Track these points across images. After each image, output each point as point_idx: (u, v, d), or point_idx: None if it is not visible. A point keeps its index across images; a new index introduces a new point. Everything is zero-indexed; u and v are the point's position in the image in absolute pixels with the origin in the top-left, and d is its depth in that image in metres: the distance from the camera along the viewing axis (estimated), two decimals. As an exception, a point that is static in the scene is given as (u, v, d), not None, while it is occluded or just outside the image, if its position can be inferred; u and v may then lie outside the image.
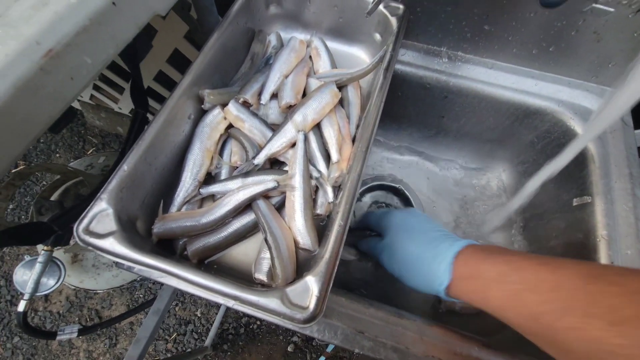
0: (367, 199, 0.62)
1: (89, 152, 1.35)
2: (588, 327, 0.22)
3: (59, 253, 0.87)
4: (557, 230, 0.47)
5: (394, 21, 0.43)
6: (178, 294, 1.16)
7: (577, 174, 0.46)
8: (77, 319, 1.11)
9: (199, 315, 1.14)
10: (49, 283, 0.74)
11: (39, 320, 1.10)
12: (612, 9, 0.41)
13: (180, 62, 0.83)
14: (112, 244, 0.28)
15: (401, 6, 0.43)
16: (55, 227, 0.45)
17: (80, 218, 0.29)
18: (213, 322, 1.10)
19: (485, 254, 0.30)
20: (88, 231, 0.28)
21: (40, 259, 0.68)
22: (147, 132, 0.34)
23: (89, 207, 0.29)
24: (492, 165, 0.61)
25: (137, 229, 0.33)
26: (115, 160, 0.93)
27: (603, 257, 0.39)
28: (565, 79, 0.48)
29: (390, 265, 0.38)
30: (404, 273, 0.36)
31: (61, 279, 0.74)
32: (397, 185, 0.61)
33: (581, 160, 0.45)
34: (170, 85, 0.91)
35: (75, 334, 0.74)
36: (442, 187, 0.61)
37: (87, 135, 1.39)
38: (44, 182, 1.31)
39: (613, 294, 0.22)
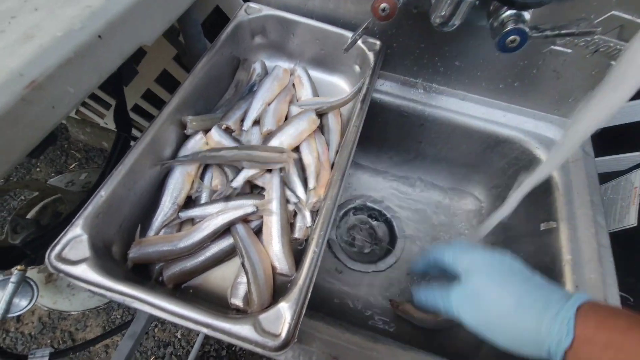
0: (350, 220, 0.63)
1: (71, 167, 1.33)
2: None
3: (32, 272, 0.84)
4: (527, 253, 0.49)
5: (371, 56, 0.46)
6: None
7: (544, 200, 0.48)
8: (49, 341, 1.06)
9: (179, 337, 1.10)
10: (21, 304, 0.71)
11: (11, 341, 1.04)
12: (569, 50, 0.44)
13: (169, 82, 0.84)
14: (84, 270, 0.28)
15: (378, 42, 0.46)
16: (27, 252, 0.44)
17: (53, 244, 0.29)
18: (194, 344, 1.06)
19: (607, 312, 0.25)
20: (60, 257, 0.28)
21: (13, 278, 0.65)
22: (127, 158, 0.34)
23: (62, 233, 0.29)
24: (469, 189, 0.63)
25: (112, 254, 0.33)
26: (96, 179, 0.92)
27: (568, 281, 0.41)
28: (531, 111, 0.52)
29: (475, 318, 0.29)
30: (497, 329, 0.28)
31: (34, 300, 0.71)
32: (379, 208, 0.63)
33: (547, 187, 0.48)
34: (158, 103, 0.92)
35: (47, 358, 0.71)
36: (422, 208, 0.63)
37: (70, 150, 1.36)
38: (22, 197, 1.27)
39: None
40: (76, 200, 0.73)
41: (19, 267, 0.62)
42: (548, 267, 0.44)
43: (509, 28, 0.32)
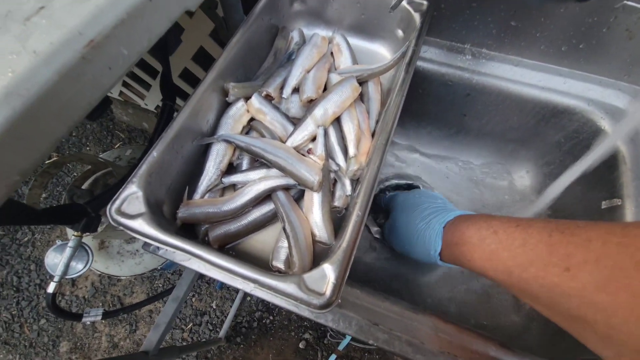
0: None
1: (116, 146, 1.42)
2: (547, 275, 0.24)
3: (87, 239, 0.92)
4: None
5: (417, 17, 0.43)
6: (195, 285, 1.19)
7: (607, 175, 0.44)
8: (100, 304, 1.17)
9: (214, 307, 1.17)
10: (78, 267, 0.78)
11: (66, 303, 1.16)
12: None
13: (205, 60, 0.85)
14: (141, 224, 0.29)
15: (425, 2, 0.43)
16: (89, 209, 0.48)
17: (113, 199, 0.30)
18: (227, 314, 1.12)
19: (470, 221, 0.33)
20: (120, 212, 0.30)
21: (71, 243, 0.72)
22: (175, 122, 0.35)
23: (120, 190, 0.31)
24: (515, 166, 0.59)
25: (163, 213, 0.34)
26: (142, 152, 0.98)
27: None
28: (596, 77, 0.47)
29: (395, 242, 0.44)
30: (406, 247, 0.41)
31: (89, 264, 0.78)
32: (415, 183, 0.61)
33: (612, 162, 0.43)
34: (195, 82, 0.94)
35: (100, 317, 0.78)
36: (462, 187, 0.60)
37: (115, 130, 1.45)
38: (75, 174, 1.39)
39: (570, 243, 0.24)
40: (124, 173, 0.78)
41: (75, 233, 0.68)
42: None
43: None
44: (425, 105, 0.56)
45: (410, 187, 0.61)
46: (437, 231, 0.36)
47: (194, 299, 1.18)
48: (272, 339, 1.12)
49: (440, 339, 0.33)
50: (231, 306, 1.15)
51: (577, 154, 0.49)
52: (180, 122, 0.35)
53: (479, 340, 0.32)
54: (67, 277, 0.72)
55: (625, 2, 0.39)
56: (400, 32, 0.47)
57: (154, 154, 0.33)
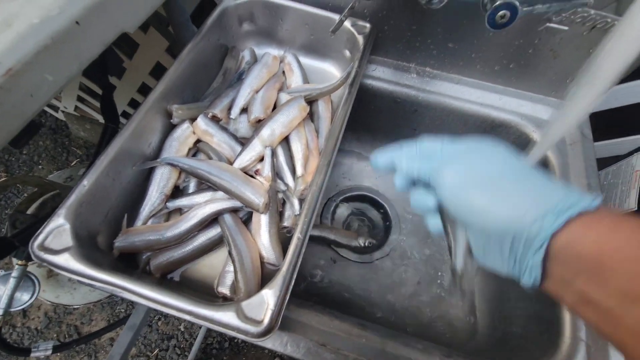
0: (344, 208, 0.62)
1: (72, 164, 1.34)
2: None
3: (33, 267, 0.86)
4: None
5: (360, 39, 0.44)
6: (160, 308, 1.14)
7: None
8: (55, 335, 1.08)
9: (182, 329, 1.12)
10: (23, 298, 0.72)
11: (17, 336, 1.06)
12: (566, 27, 0.43)
13: (161, 74, 0.84)
14: (66, 260, 0.28)
15: (368, 25, 0.45)
16: (17, 243, 0.44)
17: (36, 234, 0.29)
18: (196, 336, 1.08)
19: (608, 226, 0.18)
20: (43, 247, 0.28)
21: (14, 273, 0.66)
22: (111, 146, 0.34)
23: (45, 223, 0.29)
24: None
25: (97, 244, 0.33)
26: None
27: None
28: (527, 93, 0.51)
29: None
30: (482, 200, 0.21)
31: (35, 294, 0.72)
32: (374, 196, 0.62)
33: (543, 169, 0.47)
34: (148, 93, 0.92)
35: (50, 351, 0.72)
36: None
37: (71, 147, 1.37)
38: (25, 194, 1.29)
39: None
40: (74, 195, 0.73)
41: (19, 261, 0.63)
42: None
43: (498, 2, 0.31)
44: (379, 121, 0.58)
45: (372, 201, 0.62)
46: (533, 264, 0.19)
47: (159, 322, 1.12)
48: (245, 359, 1.08)
49: (387, 354, 0.33)
50: (200, 327, 1.10)
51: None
52: (118, 146, 0.34)
53: (424, 353, 0.33)
54: (11, 309, 0.67)
55: (547, 24, 0.43)
56: (347, 53, 0.49)
57: (84, 182, 0.31)
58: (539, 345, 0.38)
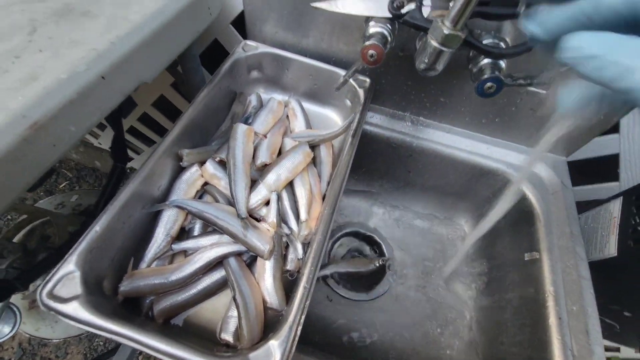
0: (342, 245, 0.64)
1: (61, 186, 1.31)
2: None
3: (16, 298, 0.82)
4: (513, 282, 0.50)
5: (361, 92, 0.48)
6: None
7: (526, 229, 0.50)
8: (26, 369, 1.01)
9: (165, 364, 1.06)
10: (4, 331, 0.69)
11: (-15, 370, 0.99)
12: (544, 91, 0.48)
13: (166, 107, 0.86)
14: (75, 309, 0.28)
15: (368, 79, 0.49)
16: (18, 285, 0.43)
17: (45, 281, 0.29)
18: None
19: None
20: (52, 295, 0.28)
21: (-5, 306, 0.63)
22: (124, 191, 0.35)
23: (55, 269, 0.29)
24: (456, 217, 0.65)
25: (102, 289, 0.33)
26: (91, 202, 0.91)
27: (551, 313, 0.42)
28: (512, 144, 0.55)
29: None
30: None
31: (16, 327, 0.69)
32: (371, 234, 0.64)
33: (529, 218, 0.50)
34: (154, 126, 0.94)
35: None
36: (412, 235, 0.65)
37: (61, 169, 1.35)
38: (9, 217, 1.24)
39: None
40: (66, 223, 0.72)
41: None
42: (533, 298, 0.45)
43: (486, 76, 0.35)
44: (375, 163, 0.61)
45: (367, 238, 0.64)
46: None
47: (140, 357, 1.07)
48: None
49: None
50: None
51: (504, 208, 0.56)
52: (131, 190, 0.35)
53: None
54: (-10, 342, 0.63)
55: (528, 88, 0.48)
56: (348, 102, 0.52)
57: (97, 228, 0.32)
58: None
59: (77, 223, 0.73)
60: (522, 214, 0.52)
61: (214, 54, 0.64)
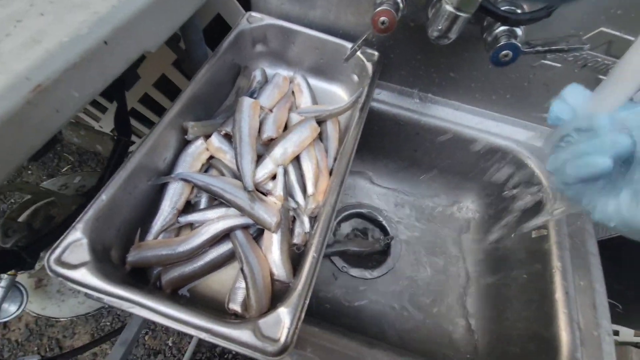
0: (347, 226, 0.64)
1: (63, 170, 1.31)
2: None
3: (22, 277, 0.82)
4: (519, 260, 0.50)
5: (369, 66, 0.47)
6: (148, 322, 1.10)
7: (535, 207, 0.50)
8: (36, 348, 1.03)
9: (170, 344, 1.08)
10: (10, 309, 0.70)
11: (-4, 349, 1.01)
12: (559, 65, 0.46)
13: (167, 87, 0.84)
14: (83, 275, 0.28)
15: (376, 53, 0.48)
16: (24, 256, 0.43)
17: (53, 247, 0.29)
18: (185, 352, 1.04)
19: None
20: (60, 261, 0.28)
21: (3, 283, 0.64)
22: (129, 161, 0.34)
23: (62, 237, 0.29)
24: (461, 197, 0.65)
25: (110, 258, 0.33)
26: (92, 183, 0.91)
27: (558, 288, 0.42)
28: (522, 121, 0.54)
29: None
30: None
31: (23, 306, 0.70)
32: (375, 214, 0.64)
33: (539, 196, 0.50)
34: (155, 107, 0.92)
35: (34, 365, 0.69)
36: (417, 215, 0.64)
37: (63, 153, 1.35)
38: (12, 200, 1.25)
39: None
40: (70, 203, 0.72)
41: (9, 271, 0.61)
42: (540, 274, 0.45)
43: (501, 43, 0.34)
44: (381, 141, 0.60)
45: (372, 218, 0.64)
46: None
47: (147, 337, 1.09)
48: (234, 376, 1.05)
49: (394, 373, 0.34)
50: (189, 342, 1.07)
51: (512, 187, 0.55)
52: (136, 161, 0.35)
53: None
54: (-1, 321, 0.64)
55: (542, 61, 0.46)
56: (355, 77, 0.51)
57: (103, 197, 0.32)
58: (536, 364, 0.39)
59: (81, 203, 0.73)
60: (531, 194, 0.51)
61: (216, 30, 0.62)
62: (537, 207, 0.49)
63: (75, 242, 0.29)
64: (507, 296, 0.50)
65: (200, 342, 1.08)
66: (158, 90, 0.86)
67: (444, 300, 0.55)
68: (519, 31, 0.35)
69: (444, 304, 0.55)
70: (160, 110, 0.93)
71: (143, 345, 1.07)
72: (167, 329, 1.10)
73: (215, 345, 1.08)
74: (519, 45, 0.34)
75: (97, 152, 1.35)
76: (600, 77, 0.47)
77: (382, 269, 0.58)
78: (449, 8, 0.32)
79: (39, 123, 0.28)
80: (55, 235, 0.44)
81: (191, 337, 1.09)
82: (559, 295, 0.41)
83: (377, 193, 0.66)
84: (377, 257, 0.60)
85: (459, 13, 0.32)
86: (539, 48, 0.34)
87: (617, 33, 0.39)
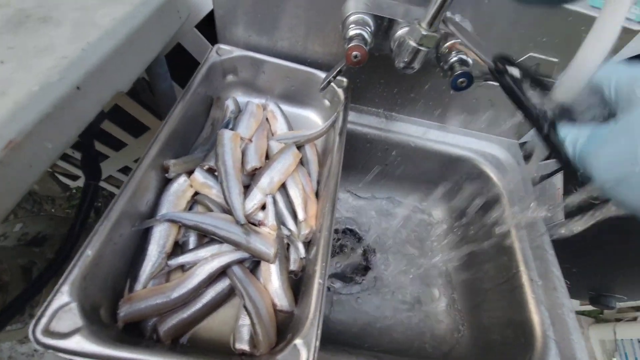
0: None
1: None
2: None
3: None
4: (489, 255, 0.56)
5: (340, 92, 0.50)
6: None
7: (495, 206, 0.57)
8: None
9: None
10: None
11: None
12: (497, 84, 0.54)
13: (120, 117, 0.79)
14: (78, 342, 0.25)
15: (345, 79, 0.51)
16: None
17: (37, 318, 0.26)
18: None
19: None
20: (48, 332, 0.25)
21: None
22: (112, 210, 0.32)
23: (46, 303, 0.26)
24: (431, 201, 0.71)
25: (100, 317, 0.30)
26: (40, 229, 0.80)
27: (524, 276, 0.48)
28: (475, 132, 0.61)
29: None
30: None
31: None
32: (350, 226, 0.66)
33: (495, 195, 0.57)
34: (107, 139, 0.86)
35: None
36: (389, 223, 0.69)
37: (-11, 197, 1.17)
38: None
39: None
40: (15, 257, 0.63)
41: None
42: (505, 265, 0.51)
43: (458, 72, 0.39)
44: (354, 158, 0.64)
45: (352, 232, 0.66)
46: None
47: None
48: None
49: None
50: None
51: (473, 190, 0.62)
52: (119, 209, 0.33)
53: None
54: None
55: (482, 82, 0.54)
56: (327, 102, 0.54)
57: (88, 252, 0.29)
58: (516, 348, 0.44)
59: (29, 255, 0.64)
60: (488, 195, 0.58)
61: (176, 59, 0.61)
62: (496, 207, 0.56)
63: (64, 307, 0.26)
64: (482, 289, 0.55)
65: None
66: (110, 122, 0.81)
67: (427, 299, 0.60)
68: (469, 60, 0.41)
69: (428, 302, 0.59)
70: (115, 144, 0.87)
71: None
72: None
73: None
74: (471, 73, 0.39)
75: (32, 191, 1.20)
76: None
77: (364, 283, 0.60)
78: (412, 43, 0.37)
79: (11, 181, 0.25)
80: (9, 314, 0.39)
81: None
82: (524, 281, 0.47)
83: (352, 206, 0.69)
84: (359, 269, 0.62)
85: (420, 48, 0.37)
86: (488, 76, 0.40)
87: (544, 57, 0.48)
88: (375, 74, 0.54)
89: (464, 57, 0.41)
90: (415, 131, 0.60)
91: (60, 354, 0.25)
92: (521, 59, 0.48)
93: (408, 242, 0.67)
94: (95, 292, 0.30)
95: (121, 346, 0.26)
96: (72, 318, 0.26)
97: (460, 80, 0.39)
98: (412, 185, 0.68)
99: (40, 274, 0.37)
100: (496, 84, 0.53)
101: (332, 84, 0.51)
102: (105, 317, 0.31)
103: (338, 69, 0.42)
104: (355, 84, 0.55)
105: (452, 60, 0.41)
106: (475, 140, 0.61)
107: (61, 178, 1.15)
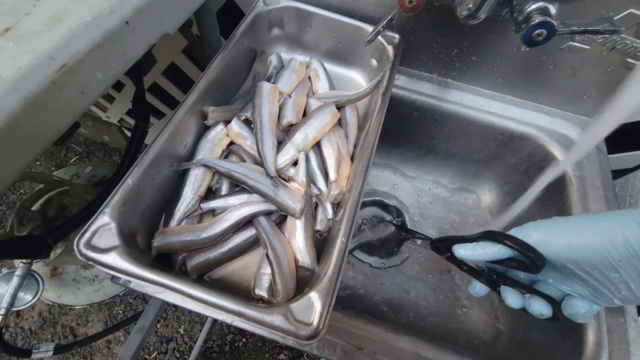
0: (363, 213, 0.63)
1: (72, 161, 1.31)
2: None
3: (38, 265, 0.83)
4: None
5: (390, 49, 0.46)
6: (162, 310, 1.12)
7: (557, 195, 0.49)
8: (49, 336, 1.05)
9: (182, 332, 1.10)
10: (26, 298, 0.71)
11: (10, 337, 1.03)
12: (587, 47, 0.45)
13: (177, 76, 0.83)
14: (114, 259, 0.28)
15: (397, 36, 0.46)
16: (49, 241, 0.43)
17: (81, 232, 0.28)
18: (196, 339, 1.06)
19: None
20: (90, 245, 0.28)
21: (18, 272, 0.65)
22: (152, 146, 0.34)
23: (90, 221, 0.29)
24: (478, 185, 0.64)
25: (136, 243, 0.33)
26: (105, 173, 0.91)
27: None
28: (545, 107, 0.53)
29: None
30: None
31: (39, 294, 0.70)
32: (391, 202, 0.63)
33: (560, 183, 0.49)
34: (165, 97, 0.91)
35: (51, 353, 0.70)
36: (431, 204, 0.64)
37: (70, 143, 1.35)
38: (22, 191, 1.26)
39: None
40: (83, 193, 0.72)
41: (24, 260, 0.61)
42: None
43: (536, 21, 0.32)
44: (398, 128, 0.59)
45: (385, 207, 0.63)
46: None
47: (159, 325, 1.10)
48: (245, 363, 1.07)
49: (421, 358, 0.34)
50: (200, 330, 1.09)
51: (532, 175, 0.54)
52: (158, 146, 0.34)
53: (457, 357, 0.34)
54: (14, 309, 0.65)
55: (570, 43, 0.45)
56: (374, 62, 0.50)
57: (129, 181, 0.31)
58: (560, 351, 0.39)
59: (94, 193, 0.73)
60: (551, 181, 0.50)
61: (228, 16, 0.61)
62: (559, 197, 0.49)
63: (104, 227, 0.29)
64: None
65: (212, 330, 1.09)
66: (167, 79, 0.85)
67: (462, 287, 0.55)
68: (552, 9, 0.34)
69: (463, 290, 0.55)
70: (168, 100, 0.92)
71: (155, 333, 1.09)
72: (178, 317, 1.11)
73: (225, 333, 1.10)
74: (555, 23, 0.32)
75: (104, 142, 1.35)
76: (629, 60, 0.45)
77: (398, 257, 0.58)
78: (481, -16, 0.31)
79: (64, 105, 0.27)
80: (73, 224, 0.44)
81: (202, 325, 1.10)
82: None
83: (392, 181, 0.65)
84: (393, 245, 0.60)
85: (492, -10, 0.31)
86: (575, 28, 0.33)
87: (649, 13, 0.38)
88: (432, 32, 0.48)
89: (546, 4, 0.34)
90: (473, 101, 0.53)
91: (98, 267, 0.27)
92: (619, 16, 0.39)
93: (448, 225, 0.62)
94: (133, 219, 0.32)
95: (151, 270, 0.28)
96: (110, 237, 0.28)
97: (538, 32, 0.33)
98: (460, 164, 0.62)
99: (96, 205, 0.41)
100: (585, 46, 0.45)
101: (383, 40, 0.47)
102: (141, 244, 0.33)
103: (389, 17, 0.38)
104: (408, 42, 0.49)
105: (529, 8, 0.34)
106: (546, 116, 0.52)
107: (127, 133, 1.28)
